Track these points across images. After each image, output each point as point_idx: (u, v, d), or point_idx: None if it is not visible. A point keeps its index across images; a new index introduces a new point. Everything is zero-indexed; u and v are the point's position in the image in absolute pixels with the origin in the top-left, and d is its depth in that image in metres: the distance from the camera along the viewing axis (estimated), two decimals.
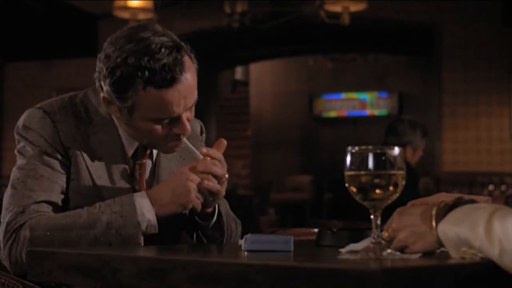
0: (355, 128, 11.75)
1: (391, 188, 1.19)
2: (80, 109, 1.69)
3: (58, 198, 1.64)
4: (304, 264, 1.08)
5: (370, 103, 11.82)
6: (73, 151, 1.65)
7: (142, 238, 1.59)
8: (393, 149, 1.20)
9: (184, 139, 1.66)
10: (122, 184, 1.68)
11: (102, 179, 1.66)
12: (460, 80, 7.29)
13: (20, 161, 1.67)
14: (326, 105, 12.06)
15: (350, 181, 1.21)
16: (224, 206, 1.79)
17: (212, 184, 1.62)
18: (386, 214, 1.26)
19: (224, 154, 1.67)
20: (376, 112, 11.75)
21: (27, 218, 1.58)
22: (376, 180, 1.19)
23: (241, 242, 1.40)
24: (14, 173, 1.66)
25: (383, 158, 1.19)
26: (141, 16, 6.05)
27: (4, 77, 8.64)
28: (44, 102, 1.71)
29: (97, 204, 1.59)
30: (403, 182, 1.20)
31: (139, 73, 1.53)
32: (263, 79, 12.55)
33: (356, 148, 1.20)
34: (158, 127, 1.61)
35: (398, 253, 1.21)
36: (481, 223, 1.11)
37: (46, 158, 1.64)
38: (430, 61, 8.41)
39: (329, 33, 8.14)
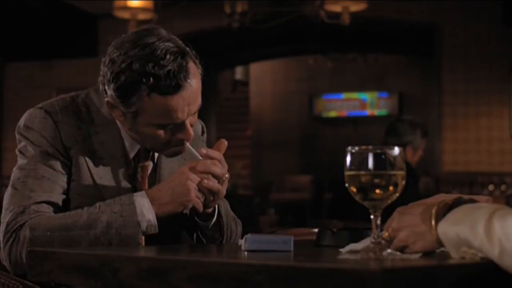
0: (355, 128, 11.74)
1: (391, 188, 1.19)
2: (82, 109, 1.69)
3: (58, 199, 1.64)
4: (304, 264, 1.08)
5: (370, 103, 11.81)
6: (74, 151, 1.65)
7: (142, 238, 1.60)
8: (393, 149, 1.20)
9: (187, 143, 1.66)
10: (123, 184, 1.68)
11: (103, 180, 1.66)
12: (460, 80, 7.29)
13: (21, 161, 1.67)
14: (326, 105, 12.05)
15: (350, 181, 1.21)
16: (224, 206, 1.79)
17: (212, 183, 1.62)
18: (386, 214, 1.26)
19: (224, 154, 1.67)
20: (376, 112, 11.75)
21: (27, 218, 1.58)
22: (376, 180, 1.19)
23: (241, 242, 1.40)
24: (14, 173, 1.66)
25: (383, 158, 1.19)
26: (141, 16, 6.04)
27: (4, 77, 8.64)
28: (45, 102, 1.71)
29: (97, 204, 1.59)
30: (403, 182, 1.21)
31: (144, 79, 1.53)
32: (263, 79, 12.54)
33: (356, 148, 1.20)
34: (162, 132, 1.61)
35: (398, 253, 1.21)
36: (481, 223, 1.11)
37: (47, 158, 1.64)
38: (430, 61, 8.40)
39: (329, 33, 8.13)
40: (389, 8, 7.45)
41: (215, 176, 1.62)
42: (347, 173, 1.21)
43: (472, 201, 1.23)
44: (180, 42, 1.61)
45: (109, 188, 1.66)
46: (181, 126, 1.61)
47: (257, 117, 12.56)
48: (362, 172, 1.19)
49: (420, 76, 11.00)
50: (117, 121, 1.68)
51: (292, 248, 1.37)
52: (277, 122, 12.23)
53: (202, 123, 1.93)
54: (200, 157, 1.64)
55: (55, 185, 1.63)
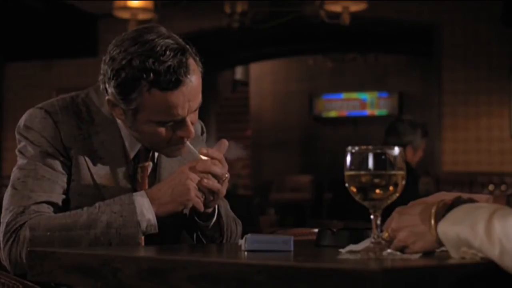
0: (355, 128, 11.74)
1: (391, 188, 1.19)
2: (82, 109, 1.69)
3: (58, 199, 1.64)
4: (304, 264, 1.08)
5: (370, 103, 11.81)
6: (74, 151, 1.65)
7: (142, 238, 1.59)
8: (393, 149, 1.20)
9: (187, 142, 1.66)
10: (123, 184, 1.68)
11: (103, 180, 1.66)
12: (460, 80, 7.29)
13: (20, 161, 1.67)
14: (326, 105, 12.05)
15: (350, 181, 1.21)
16: (224, 206, 1.79)
17: (212, 183, 1.62)
18: (386, 214, 1.26)
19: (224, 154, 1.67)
20: (376, 112, 11.74)
21: (27, 218, 1.58)
22: (376, 180, 1.19)
23: (241, 242, 1.40)
24: (14, 173, 1.66)
25: (383, 158, 1.19)
26: (141, 16, 6.04)
27: (4, 77, 8.64)
28: (45, 102, 1.71)
29: (97, 204, 1.59)
30: (403, 182, 1.21)
31: (144, 75, 1.53)
32: (263, 79, 12.54)
33: (356, 148, 1.20)
34: (162, 130, 1.61)
35: (398, 253, 1.21)
36: (481, 222, 1.11)
37: (47, 158, 1.64)
38: (430, 61, 8.40)
39: (329, 33, 8.13)
40: (389, 8, 7.45)
41: (215, 176, 1.62)
42: (347, 173, 1.21)
43: (471, 200, 1.23)
44: (180, 39, 1.61)
45: (109, 188, 1.66)
46: (182, 123, 1.61)
47: (257, 117, 12.56)
48: (362, 172, 1.19)
49: (420, 76, 11.00)
50: (118, 121, 1.68)
51: (292, 248, 1.37)
52: (277, 122, 12.23)
53: (202, 123, 1.93)
54: (200, 157, 1.64)
55: (55, 185, 1.63)
